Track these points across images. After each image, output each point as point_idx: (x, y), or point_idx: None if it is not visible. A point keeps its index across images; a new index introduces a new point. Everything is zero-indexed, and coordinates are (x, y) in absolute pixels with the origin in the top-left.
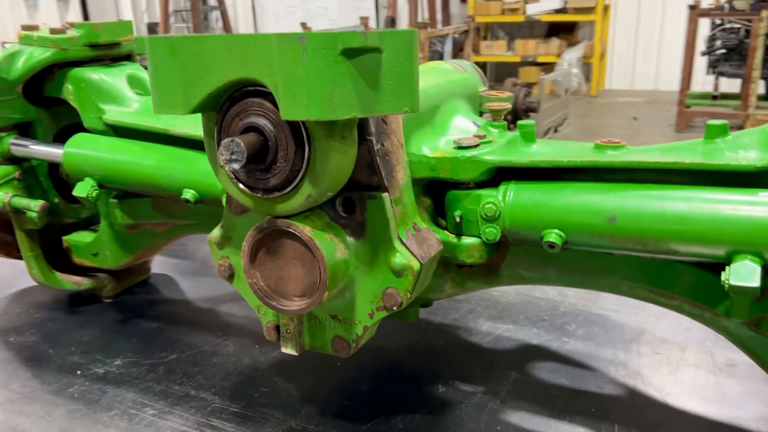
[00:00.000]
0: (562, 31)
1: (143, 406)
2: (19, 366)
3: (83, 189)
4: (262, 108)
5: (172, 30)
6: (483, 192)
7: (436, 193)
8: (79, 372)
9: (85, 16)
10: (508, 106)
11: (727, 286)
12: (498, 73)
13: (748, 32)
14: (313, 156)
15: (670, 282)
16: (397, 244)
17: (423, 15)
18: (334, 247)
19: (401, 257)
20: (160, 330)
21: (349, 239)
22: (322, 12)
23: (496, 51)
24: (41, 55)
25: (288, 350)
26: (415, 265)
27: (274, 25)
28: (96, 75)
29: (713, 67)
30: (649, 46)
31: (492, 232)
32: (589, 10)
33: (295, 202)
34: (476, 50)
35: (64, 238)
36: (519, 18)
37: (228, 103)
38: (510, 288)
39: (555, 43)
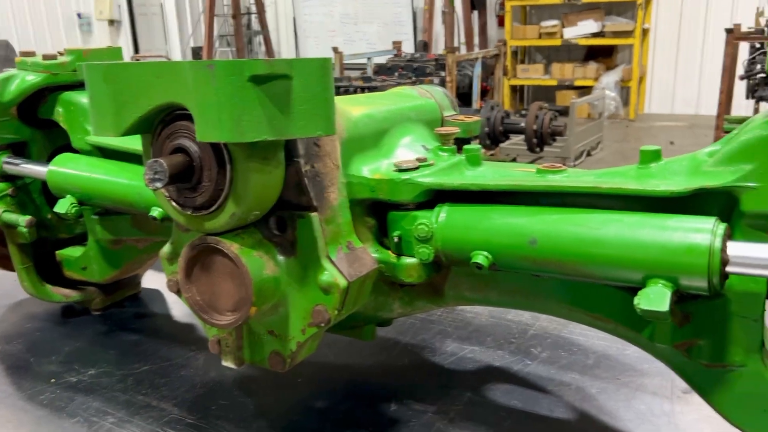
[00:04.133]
0: (600, 54)
1: (105, 414)
2: None
3: (63, 206)
4: (188, 130)
5: (216, 55)
6: (419, 213)
7: (381, 213)
8: (53, 380)
9: (135, 40)
10: (456, 130)
11: (639, 310)
12: (535, 97)
13: None
14: (234, 176)
15: (602, 305)
16: (325, 262)
17: (460, 39)
18: (262, 264)
19: (328, 275)
20: (139, 342)
21: (280, 257)
22: (361, 36)
23: (533, 74)
24: (33, 79)
25: (228, 363)
26: (342, 282)
27: (315, 49)
28: (84, 98)
29: (752, 92)
30: (689, 70)
31: (425, 253)
32: (627, 33)
33: (221, 220)
34: (513, 74)
35: (57, 252)
36: (556, 42)
37: (161, 126)
38: (484, 310)
39: (592, 67)
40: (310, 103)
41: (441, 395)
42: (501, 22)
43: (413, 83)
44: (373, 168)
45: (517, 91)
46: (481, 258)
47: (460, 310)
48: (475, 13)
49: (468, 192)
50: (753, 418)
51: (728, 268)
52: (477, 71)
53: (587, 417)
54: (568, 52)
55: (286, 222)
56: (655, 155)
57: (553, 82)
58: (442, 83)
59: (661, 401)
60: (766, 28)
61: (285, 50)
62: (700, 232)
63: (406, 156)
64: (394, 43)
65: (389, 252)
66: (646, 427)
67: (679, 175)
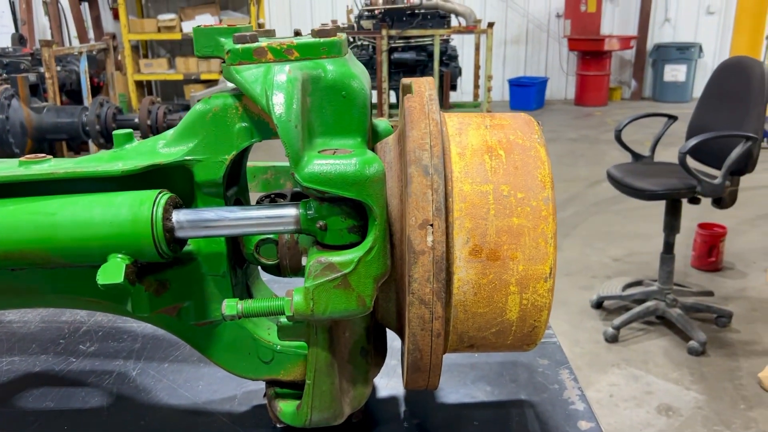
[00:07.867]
0: None
1: None
2: None
3: None
4: None
5: None
6: None
7: None
8: None
9: None
10: None
11: (100, 286)
12: (164, 92)
13: (375, 48)
14: None
15: (90, 288)
16: None
17: (70, 33)
18: None
19: None
20: None
21: None
22: None
23: (157, 69)
24: None
25: None
26: None
27: None
28: None
29: None
30: None
31: None
32: None
33: None
34: (137, 68)
35: None
36: (176, 36)
37: None
38: (35, 316)
39: (216, 60)
40: None
41: None
42: (116, 15)
43: (4, 81)
44: None
45: (144, 87)
46: None
47: (7, 322)
48: (86, 5)
49: None
50: (241, 362)
51: (178, 233)
52: (83, 66)
53: (124, 398)
54: (191, 46)
55: None
56: (128, 137)
57: (179, 77)
58: (42, 79)
59: (192, 368)
60: (354, 24)
61: None
62: (143, 204)
63: None
64: None
65: None
66: (180, 395)
67: (143, 155)
